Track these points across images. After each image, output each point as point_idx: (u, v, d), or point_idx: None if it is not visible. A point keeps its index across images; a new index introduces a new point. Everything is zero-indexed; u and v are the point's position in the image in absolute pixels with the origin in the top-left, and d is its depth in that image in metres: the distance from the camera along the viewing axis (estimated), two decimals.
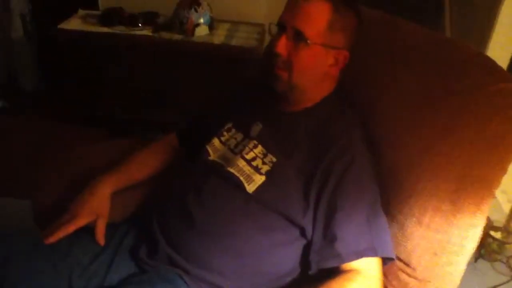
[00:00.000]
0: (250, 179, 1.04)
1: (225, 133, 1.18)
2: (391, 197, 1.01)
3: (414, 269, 0.98)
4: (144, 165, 1.27)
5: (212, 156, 1.14)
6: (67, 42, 2.33)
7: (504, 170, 0.90)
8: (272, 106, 1.14)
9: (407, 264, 0.99)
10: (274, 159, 1.05)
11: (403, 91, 1.05)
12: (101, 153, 1.34)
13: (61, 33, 2.31)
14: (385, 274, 0.99)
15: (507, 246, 1.84)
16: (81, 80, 2.40)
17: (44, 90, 2.88)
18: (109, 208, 1.14)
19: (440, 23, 2.30)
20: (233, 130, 1.17)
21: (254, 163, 1.07)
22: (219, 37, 2.32)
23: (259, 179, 1.04)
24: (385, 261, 0.99)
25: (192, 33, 2.27)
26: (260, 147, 1.09)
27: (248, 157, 1.08)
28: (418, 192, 0.95)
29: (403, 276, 1.00)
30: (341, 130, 1.05)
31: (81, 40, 2.32)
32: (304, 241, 1.04)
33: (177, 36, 2.28)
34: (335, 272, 0.96)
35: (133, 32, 2.30)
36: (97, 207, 1.12)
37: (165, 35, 2.28)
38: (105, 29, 2.31)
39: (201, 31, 2.29)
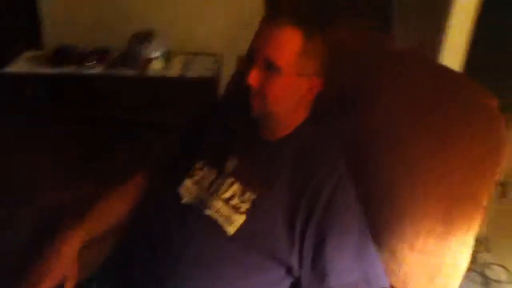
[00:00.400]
0: (229, 221, 0.99)
1: (196, 172, 1.11)
2: (380, 224, 0.98)
3: None
4: (111, 213, 1.17)
5: (185, 199, 1.07)
6: (15, 85, 2.20)
7: (491, 187, 0.89)
8: (248, 133, 1.09)
9: None
10: (253, 196, 1.00)
11: (386, 114, 1.04)
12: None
13: (7, 77, 2.19)
14: None
15: (479, 255, 1.85)
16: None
17: None
18: (77, 267, 1.04)
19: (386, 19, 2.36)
20: (205, 168, 1.11)
21: (232, 203, 1.01)
22: (175, 70, 2.26)
23: (239, 219, 0.98)
24: None
25: (145, 68, 2.20)
26: (237, 184, 1.03)
27: (225, 196, 1.02)
28: (409, 216, 0.94)
29: None
30: (322, 158, 1.01)
31: (28, 83, 2.19)
32: (290, 280, 0.99)
33: (130, 72, 2.20)
34: None
35: (85, 71, 2.22)
36: (64, 269, 1.01)
37: (118, 72, 2.21)
38: (55, 70, 2.22)
39: (156, 65, 2.23)
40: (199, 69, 2.30)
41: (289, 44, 0.98)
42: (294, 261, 0.95)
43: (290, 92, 1.01)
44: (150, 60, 2.20)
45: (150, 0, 2.40)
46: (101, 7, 2.40)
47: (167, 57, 2.30)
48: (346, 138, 1.06)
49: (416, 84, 1.05)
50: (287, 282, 0.99)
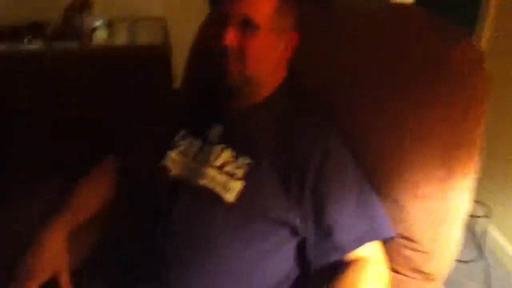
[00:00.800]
0: (226, 188, 0.94)
1: (180, 142, 1.05)
2: (380, 178, 0.97)
3: (418, 242, 0.96)
4: (90, 199, 1.09)
5: (174, 171, 1.01)
6: None
7: (481, 127, 0.91)
8: (226, 104, 1.04)
9: (410, 240, 0.97)
10: (247, 160, 0.96)
11: (365, 72, 1.02)
12: (43, 194, 1.13)
13: None
14: (388, 254, 0.95)
15: None
16: None
17: None
18: (67, 258, 0.96)
19: None
20: (189, 137, 1.05)
21: (225, 169, 0.96)
22: (121, 38, 2.13)
23: (237, 185, 0.94)
24: (386, 241, 0.95)
25: (90, 39, 2.05)
26: (229, 151, 0.98)
27: (217, 163, 0.98)
28: (407, 166, 0.93)
29: (408, 252, 0.98)
30: (309, 118, 0.99)
31: None
32: (296, 240, 0.96)
33: (73, 45, 2.04)
34: (338, 267, 0.90)
35: (20, 48, 2.02)
36: (55, 262, 0.94)
37: (59, 45, 2.04)
38: None
39: (100, 35, 2.09)
40: (146, 35, 2.18)
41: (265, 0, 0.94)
42: (297, 221, 0.93)
43: (269, 50, 0.97)
44: (92, 30, 2.04)
45: None
46: None
47: (109, 26, 2.16)
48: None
49: (390, 37, 1.03)
50: (292, 243, 0.97)
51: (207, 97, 1.08)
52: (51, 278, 0.93)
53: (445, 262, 0.97)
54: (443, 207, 0.93)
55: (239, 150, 0.98)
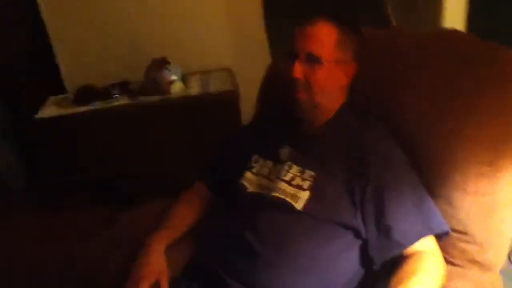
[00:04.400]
0: (296, 197, 1.10)
1: (254, 164, 1.23)
2: (431, 177, 1.08)
3: (472, 235, 1.05)
4: (185, 217, 1.30)
5: (250, 189, 1.19)
6: (47, 130, 2.32)
7: None
8: (293, 128, 1.22)
9: (463, 233, 1.06)
10: (313, 173, 1.12)
11: (422, 88, 1.16)
12: (146, 216, 1.35)
13: (40, 123, 2.31)
14: (443, 249, 1.05)
15: None
16: (69, 164, 2.39)
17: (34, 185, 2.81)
18: (167, 265, 1.16)
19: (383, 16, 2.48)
20: (261, 160, 1.23)
21: (294, 182, 1.12)
22: (195, 88, 2.40)
23: (304, 195, 1.09)
24: (441, 236, 1.06)
25: (169, 91, 2.33)
26: (295, 167, 1.15)
27: (287, 178, 1.14)
28: (457, 164, 1.04)
29: (462, 245, 1.07)
30: (368, 132, 1.14)
31: (61, 125, 2.32)
32: (359, 242, 1.09)
33: (155, 98, 2.33)
34: (398, 261, 1.02)
35: (112, 104, 2.34)
36: (157, 267, 1.14)
37: (143, 99, 2.34)
38: (83, 108, 2.34)
39: (177, 87, 2.36)
40: (217, 84, 2.43)
41: (326, 36, 1.13)
42: (359, 224, 1.06)
43: (332, 79, 1.15)
44: (170, 83, 2.33)
45: (156, 30, 2.54)
46: (112, 44, 2.55)
47: (184, 78, 2.44)
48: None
49: (437, 58, 1.17)
50: (357, 245, 1.09)
51: (277, 123, 1.26)
52: (155, 281, 1.11)
53: (500, 252, 1.05)
54: (492, 200, 1.02)
55: (305, 165, 1.14)
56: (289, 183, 1.12)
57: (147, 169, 2.32)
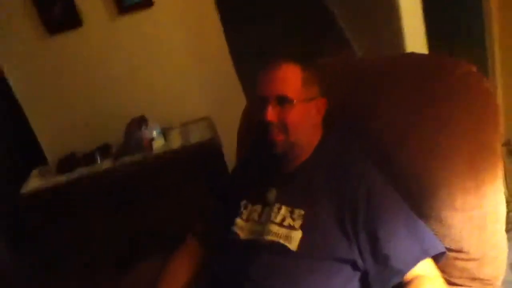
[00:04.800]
0: (289, 238, 1.09)
1: (243, 210, 1.23)
2: (418, 199, 1.10)
3: (467, 252, 1.06)
4: (178, 275, 1.29)
5: (243, 236, 1.18)
6: (33, 203, 2.29)
7: (500, 135, 1.03)
8: (276, 170, 1.23)
9: (459, 251, 1.07)
10: (302, 212, 1.12)
11: (390, 111, 1.18)
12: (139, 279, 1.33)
13: (24, 197, 2.28)
14: (443, 270, 1.05)
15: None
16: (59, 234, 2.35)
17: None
18: None
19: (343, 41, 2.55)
20: (250, 206, 1.23)
21: (285, 223, 1.12)
22: (176, 142, 2.40)
23: (297, 234, 1.09)
24: (439, 258, 1.06)
25: (151, 148, 2.34)
26: (284, 208, 1.15)
27: (277, 220, 1.14)
28: (440, 183, 1.05)
29: (460, 263, 1.07)
30: (349, 164, 1.15)
31: (47, 196, 2.29)
32: (358, 274, 1.08)
33: (137, 157, 2.33)
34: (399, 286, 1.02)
35: (95, 169, 2.33)
36: None
37: (126, 160, 2.33)
38: (66, 177, 2.32)
39: (158, 143, 2.37)
40: (197, 134, 2.44)
41: (292, 76, 1.15)
42: (356, 256, 1.06)
43: (304, 117, 1.16)
44: (151, 140, 2.33)
45: (130, 91, 2.56)
46: (88, 111, 2.56)
47: (165, 133, 2.45)
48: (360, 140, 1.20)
49: (405, 79, 1.20)
50: (357, 277, 1.08)
51: (259, 167, 1.27)
52: None
53: (499, 265, 1.05)
54: (481, 214, 1.03)
55: (294, 204, 1.14)
56: (280, 224, 1.12)
57: (139, 227, 2.29)
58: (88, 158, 2.40)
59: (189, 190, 2.25)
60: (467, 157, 1.03)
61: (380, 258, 1.04)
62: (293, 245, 1.08)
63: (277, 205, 1.16)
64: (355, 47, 2.60)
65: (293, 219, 1.12)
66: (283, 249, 1.08)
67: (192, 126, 2.58)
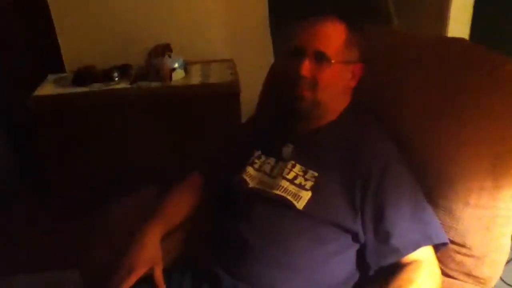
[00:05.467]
0: (297, 197, 1.09)
1: (256, 160, 1.22)
2: (432, 186, 1.08)
3: (470, 248, 1.06)
4: (180, 207, 1.29)
5: (251, 184, 1.18)
6: (44, 110, 2.28)
7: None
8: (297, 126, 1.21)
9: (461, 245, 1.06)
10: (316, 174, 1.11)
11: (421, 92, 1.15)
12: (136, 205, 1.34)
13: (37, 101, 2.27)
14: (440, 260, 1.06)
15: None
16: (64, 149, 2.35)
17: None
18: (161, 255, 1.15)
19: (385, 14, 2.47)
20: (263, 157, 1.22)
21: (297, 181, 1.12)
22: (196, 78, 2.37)
23: (306, 195, 1.09)
24: (439, 247, 1.06)
25: (170, 79, 2.31)
26: (298, 166, 1.14)
27: (289, 177, 1.13)
28: (459, 176, 1.04)
29: (459, 257, 1.07)
30: (370, 136, 1.13)
31: (59, 105, 2.29)
32: (356, 246, 1.09)
33: (155, 84, 2.31)
34: (395, 268, 1.02)
35: (111, 87, 2.31)
36: (151, 256, 1.13)
37: (143, 84, 2.31)
38: (81, 89, 2.30)
39: (178, 75, 2.34)
40: (218, 75, 2.41)
41: (335, 36, 1.11)
42: (358, 228, 1.06)
43: (338, 79, 1.14)
44: (172, 71, 2.30)
45: (159, 17, 2.52)
46: (115, 26, 2.51)
47: (185, 67, 2.42)
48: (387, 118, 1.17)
49: (446, 63, 1.16)
50: (353, 249, 1.09)
51: (280, 120, 1.25)
52: (148, 271, 1.10)
53: (496, 267, 1.05)
54: (493, 214, 1.02)
55: (308, 165, 1.13)
56: (291, 181, 1.12)
57: (144, 156, 2.30)
58: (106, 75, 2.37)
59: (201, 127, 2.24)
60: (492, 157, 1.01)
61: (382, 234, 1.04)
62: (300, 204, 1.08)
63: (291, 162, 1.15)
64: (395, 21, 2.51)
65: (305, 179, 1.11)
66: (288, 206, 1.08)
67: (215, 65, 2.55)
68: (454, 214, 1.06)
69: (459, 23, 2.07)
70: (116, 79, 2.35)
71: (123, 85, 2.33)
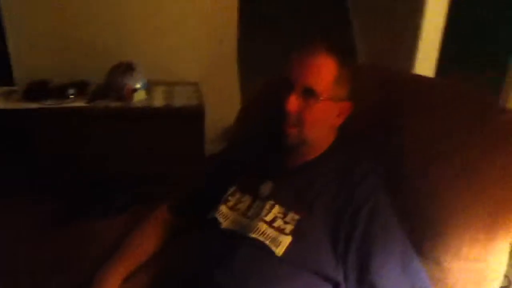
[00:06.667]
0: (276, 242, 1.00)
1: (230, 197, 1.13)
2: (422, 236, 1.03)
3: None
4: (145, 246, 1.19)
5: (224, 224, 1.08)
6: None
7: None
8: (278, 163, 1.13)
9: None
10: (297, 217, 1.03)
11: (413, 135, 1.11)
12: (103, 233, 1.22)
13: None
14: None
15: None
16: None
17: None
18: None
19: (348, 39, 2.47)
20: (238, 194, 1.13)
21: (275, 224, 1.03)
22: (159, 100, 2.26)
23: (286, 239, 1.00)
24: None
25: (131, 99, 2.19)
26: (278, 207, 1.06)
27: (267, 219, 1.04)
28: (452, 227, 0.99)
29: None
30: (358, 177, 1.06)
31: (8, 120, 2.10)
32: None
33: (115, 104, 2.18)
34: None
35: (66, 105, 2.15)
36: None
37: (102, 103, 2.17)
38: (33, 105, 2.13)
39: (140, 96, 2.22)
40: (182, 98, 2.31)
41: (326, 70, 1.04)
42: (339, 278, 0.98)
43: (325, 117, 1.07)
44: (134, 91, 2.18)
45: (124, 32, 2.40)
46: (74, 39, 2.37)
47: (148, 88, 2.30)
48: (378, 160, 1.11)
49: (440, 106, 1.13)
50: None
51: (259, 155, 1.17)
52: None
53: None
54: (484, 268, 0.98)
55: (289, 206, 1.05)
56: (270, 224, 1.03)
57: (101, 178, 2.13)
58: (61, 91, 2.21)
59: (161, 153, 2.12)
60: (488, 209, 0.97)
61: (366, 285, 0.96)
62: (278, 250, 0.99)
63: (270, 202, 1.07)
64: (359, 47, 2.51)
65: (285, 222, 1.03)
66: (266, 251, 0.99)
67: (179, 88, 2.44)
68: (443, 266, 1.01)
69: (428, 48, 2.07)
70: (72, 96, 2.20)
71: (79, 103, 2.18)
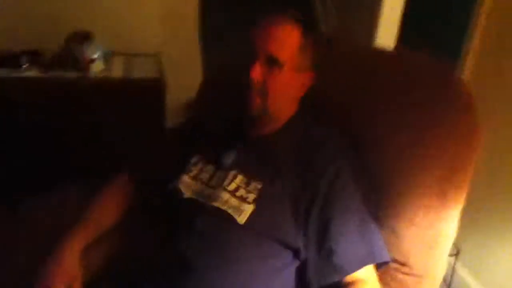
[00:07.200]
0: (238, 211, 1.02)
1: (192, 168, 1.13)
2: (378, 202, 1.06)
3: (411, 267, 1.05)
4: (107, 213, 1.17)
5: (187, 194, 1.08)
6: None
7: (473, 162, 1.01)
8: (241, 133, 1.13)
9: (403, 264, 1.05)
10: (259, 186, 1.04)
11: (375, 104, 1.13)
12: (55, 205, 1.19)
13: None
14: (381, 278, 1.03)
15: None
16: None
17: None
18: (81, 268, 1.03)
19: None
20: (200, 164, 1.13)
21: (238, 194, 1.04)
22: (118, 71, 2.20)
23: (248, 208, 1.02)
24: (380, 266, 1.04)
25: (88, 69, 2.12)
26: (240, 176, 1.07)
27: (230, 188, 1.05)
28: (406, 194, 1.02)
29: (400, 276, 1.06)
30: (319, 145, 1.08)
31: None
32: (297, 263, 1.04)
33: (71, 74, 2.10)
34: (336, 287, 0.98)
35: (18, 74, 2.05)
36: (70, 271, 1.01)
37: (57, 74, 2.09)
38: None
39: (98, 67, 2.15)
40: (141, 69, 2.26)
41: (290, 40, 1.04)
42: (300, 244, 1.01)
43: (289, 87, 1.07)
44: (91, 61, 2.11)
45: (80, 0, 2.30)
46: (28, 6, 2.25)
47: (107, 58, 2.23)
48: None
49: (393, 78, 1.15)
50: (294, 266, 1.04)
51: (222, 125, 1.16)
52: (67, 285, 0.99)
53: (434, 285, 1.06)
54: (436, 234, 1.02)
55: (251, 175, 1.06)
56: (232, 193, 1.04)
57: (51, 152, 2.07)
58: (13, 60, 2.10)
59: (120, 126, 2.07)
60: (439, 177, 1.01)
61: (325, 251, 0.99)
62: (241, 218, 1.01)
63: (233, 172, 1.07)
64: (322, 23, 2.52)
65: (248, 191, 1.04)
66: (228, 219, 1.01)
67: (139, 59, 2.38)
68: (398, 233, 1.05)
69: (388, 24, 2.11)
70: (25, 65, 2.10)
71: (33, 73, 2.09)
